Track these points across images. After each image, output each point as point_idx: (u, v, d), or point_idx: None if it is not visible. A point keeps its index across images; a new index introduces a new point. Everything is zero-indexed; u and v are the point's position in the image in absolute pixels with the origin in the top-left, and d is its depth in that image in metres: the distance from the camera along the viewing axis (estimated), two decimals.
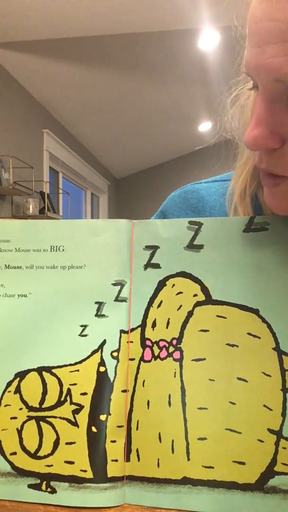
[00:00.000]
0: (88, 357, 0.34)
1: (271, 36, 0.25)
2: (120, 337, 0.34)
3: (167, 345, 0.34)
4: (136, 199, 6.35)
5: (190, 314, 0.34)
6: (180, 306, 0.34)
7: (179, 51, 3.17)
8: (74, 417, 0.33)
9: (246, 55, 0.29)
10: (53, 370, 0.34)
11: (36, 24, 2.66)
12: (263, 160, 0.33)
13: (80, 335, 0.34)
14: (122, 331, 0.34)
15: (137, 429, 0.33)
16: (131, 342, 0.34)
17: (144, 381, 0.34)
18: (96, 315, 0.35)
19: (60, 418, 0.33)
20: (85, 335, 0.34)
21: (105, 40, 2.97)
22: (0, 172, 2.97)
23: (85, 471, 0.32)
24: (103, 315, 0.35)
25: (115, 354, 0.34)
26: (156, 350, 0.34)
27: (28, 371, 0.34)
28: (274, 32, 0.25)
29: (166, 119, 4.64)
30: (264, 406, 0.31)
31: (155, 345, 0.34)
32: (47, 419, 0.34)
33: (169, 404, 0.33)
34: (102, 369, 0.34)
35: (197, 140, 5.15)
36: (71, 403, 0.34)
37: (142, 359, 0.34)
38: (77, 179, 5.06)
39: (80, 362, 0.34)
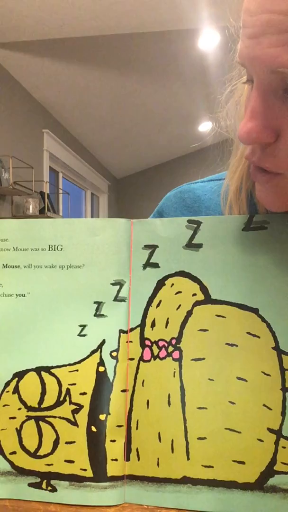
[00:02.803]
0: (87, 357, 0.34)
1: (268, 27, 0.25)
2: (119, 337, 0.34)
3: (166, 344, 0.34)
4: (136, 199, 6.34)
5: (189, 313, 0.34)
6: (179, 305, 0.34)
7: (179, 51, 3.16)
8: (74, 417, 0.33)
9: (241, 45, 0.28)
10: (52, 370, 0.34)
11: (36, 24, 2.66)
12: (255, 153, 0.32)
13: (79, 335, 0.34)
14: (121, 331, 0.34)
15: (137, 428, 0.33)
16: (130, 342, 0.34)
17: (143, 380, 0.34)
18: (95, 315, 0.35)
19: (60, 417, 0.33)
20: (84, 335, 0.34)
21: (105, 40, 2.96)
22: (0, 172, 2.97)
23: (85, 470, 0.32)
24: (102, 315, 0.34)
25: (114, 354, 0.34)
26: (155, 350, 0.34)
27: (27, 371, 0.34)
28: (271, 23, 0.25)
29: (166, 119, 4.64)
30: (264, 405, 0.31)
31: (154, 344, 0.34)
32: (46, 419, 0.34)
33: (169, 403, 0.33)
34: (101, 369, 0.34)
35: (197, 140, 5.15)
36: (70, 403, 0.33)
37: (141, 359, 0.34)
38: (77, 179, 5.06)
39: (79, 362, 0.34)
